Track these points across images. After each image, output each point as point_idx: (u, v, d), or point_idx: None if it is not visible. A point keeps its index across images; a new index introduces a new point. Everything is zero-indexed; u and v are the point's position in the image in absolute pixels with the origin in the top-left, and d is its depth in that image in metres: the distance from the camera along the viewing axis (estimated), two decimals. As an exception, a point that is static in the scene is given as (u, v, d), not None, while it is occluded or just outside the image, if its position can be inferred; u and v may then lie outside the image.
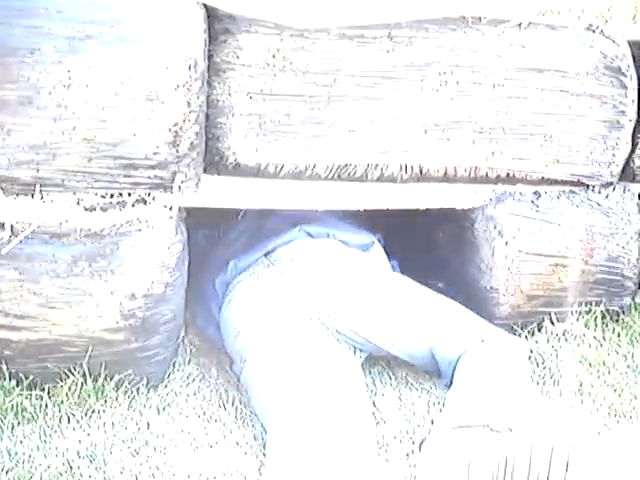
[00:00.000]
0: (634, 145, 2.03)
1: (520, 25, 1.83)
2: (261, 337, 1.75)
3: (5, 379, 1.63)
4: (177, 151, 1.62)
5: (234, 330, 1.83)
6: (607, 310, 2.07)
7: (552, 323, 2.02)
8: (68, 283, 1.58)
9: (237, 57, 1.69)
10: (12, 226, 1.55)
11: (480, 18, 1.81)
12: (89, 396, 1.64)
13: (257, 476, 1.54)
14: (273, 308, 1.82)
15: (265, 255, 1.95)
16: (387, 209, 1.91)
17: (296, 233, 2.00)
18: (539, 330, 2.02)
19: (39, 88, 1.52)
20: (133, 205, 1.64)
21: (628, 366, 1.95)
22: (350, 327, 1.82)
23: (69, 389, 1.64)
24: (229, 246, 2.05)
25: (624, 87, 1.93)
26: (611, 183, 2.03)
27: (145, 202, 1.65)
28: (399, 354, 1.83)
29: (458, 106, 1.85)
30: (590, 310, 2.05)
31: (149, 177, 1.63)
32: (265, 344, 1.73)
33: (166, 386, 1.76)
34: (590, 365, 1.92)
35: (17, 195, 1.58)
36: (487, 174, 1.92)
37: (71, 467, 1.50)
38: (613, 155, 1.98)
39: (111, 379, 1.67)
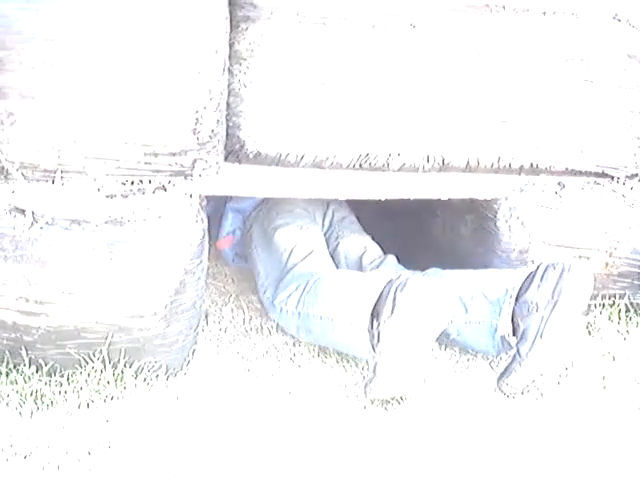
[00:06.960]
0: (660, 136, 2.00)
1: (544, 13, 1.81)
2: None
3: (25, 365, 1.64)
4: (198, 138, 1.62)
5: None
6: (631, 303, 2.04)
7: (575, 316, 2.00)
8: (88, 269, 1.58)
9: (258, 45, 1.69)
10: (33, 212, 1.56)
11: (504, 6, 1.78)
12: (108, 383, 1.65)
13: (278, 468, 1.54)
14: None
15: None
16: (409, 199, 1.89)
17: None
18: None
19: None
20: (153, 192, 1.63)
21: (653, 360, 1.93)
22: None
23: (88, 375, 1.65)
24: None
25: (650, 77, 1.91)
26: (636, 174, 2.00)
27: (165, 189, 1.65)
28: None
29: (481, 95, 1.83)
30: (614, 303, 2.03)
31: (169, 164, 1.63)
32: None
33: (185, 374, 1.75)
34: (614, 359, 1.90)
35: (38, 181, 1.59)
36: (510, 164, 1.90)
37: (89, 453, 1.51)
38: (638, 146, 1.95)
39: (130, 366, 1.67)
